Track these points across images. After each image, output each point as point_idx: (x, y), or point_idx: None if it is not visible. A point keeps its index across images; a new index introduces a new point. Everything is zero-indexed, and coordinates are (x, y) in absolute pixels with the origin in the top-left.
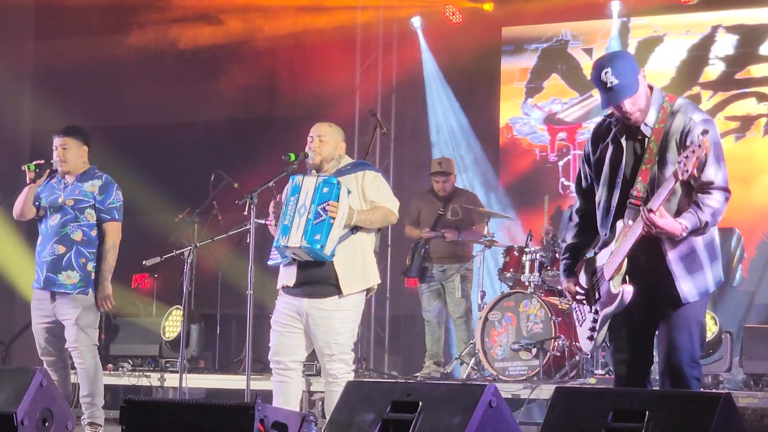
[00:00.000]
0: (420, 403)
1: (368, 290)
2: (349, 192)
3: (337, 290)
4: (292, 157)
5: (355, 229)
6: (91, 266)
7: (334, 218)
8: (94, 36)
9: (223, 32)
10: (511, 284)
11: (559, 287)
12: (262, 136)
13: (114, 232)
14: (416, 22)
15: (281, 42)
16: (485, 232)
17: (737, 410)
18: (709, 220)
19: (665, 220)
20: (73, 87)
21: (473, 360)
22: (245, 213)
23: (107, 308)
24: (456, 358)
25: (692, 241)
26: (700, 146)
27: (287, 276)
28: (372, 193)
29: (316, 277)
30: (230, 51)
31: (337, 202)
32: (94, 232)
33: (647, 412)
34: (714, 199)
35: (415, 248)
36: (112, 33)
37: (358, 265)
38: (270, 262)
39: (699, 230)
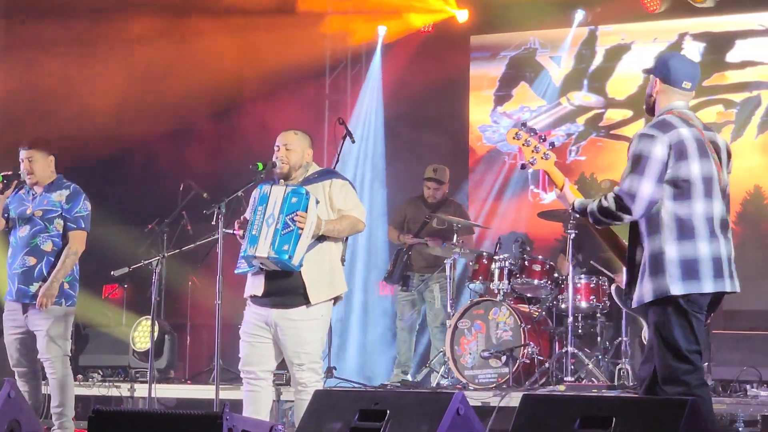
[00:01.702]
0: (388, 412)
1: (336, 299)
2: (317, 202)
3: (304, 300)
4: (260, 166)
5: (322, 238)
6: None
7: (302, 229)
8: (59, 46)
9: (191, 42)
10: (480, 292)
11: (528, 294)
12: (231, 145)
13: (78, 240)
14: (381, 31)
15: (249, 50)
16: (473, 245)
17: (703, 415)
18: (587, 209)
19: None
20: (40, 97)
21: (443, 368)
22: (213, 223)
23: (43, 308)
24: (426, 366)
25: (643, 251)
26: None
27: (255, 286)
28: (340, 202)
29: (284, 287)
30: (198, 62)
31: (306, 212)
32: (64, 242)
33: (614, 418)
34: (607, 200)
35: (399, 255)
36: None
37: (325, 274)
38: (237, 271)
39: (580, 213)
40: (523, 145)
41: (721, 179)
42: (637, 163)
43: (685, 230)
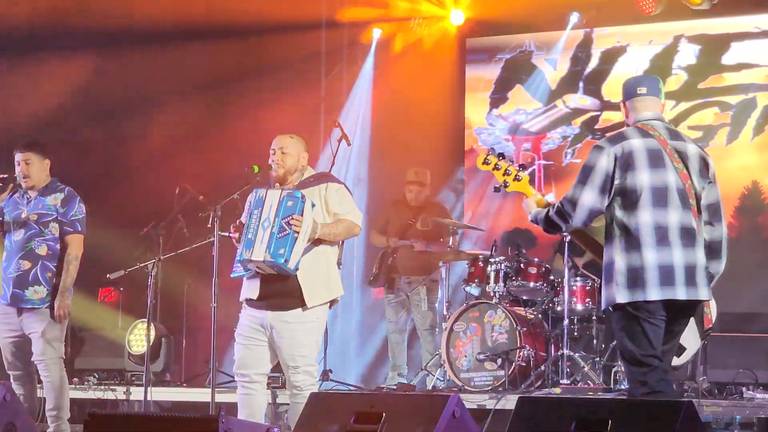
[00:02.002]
0: (383, 414)
1: (332, 302)
2: (313, 205)
3: (300, 302)
4: (255, 169)
5: (317, 241)
6: (58, 280)
7: (298, 232)
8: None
9: (188, 46)
10: (476, 294)
11: (524, 297)
12: (227, 147)
13: (76, 244)
14: (375, 34)
15: (246, 53)
16: (451, 244)
17: (700, 418)
18: (535, 216)
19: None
20: (33, 101)
21: (439, 371)
22: (209, 226)
23: (63, 320)
24: (422, 369)
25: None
26: None
27: (250, 289)
28: (335, 206)
29: (280, 290)
30: (194, 65)
31: (302, 216)
32: (59, 246)
33: (610, 421)
34: (554, 208)
35: (383, 258)
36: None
37: (321, 278)
38: (233, 275)
39: (535, 222)
40: (494, 169)
41: (690, 187)
42: (583, 173)
43: (631, 240)
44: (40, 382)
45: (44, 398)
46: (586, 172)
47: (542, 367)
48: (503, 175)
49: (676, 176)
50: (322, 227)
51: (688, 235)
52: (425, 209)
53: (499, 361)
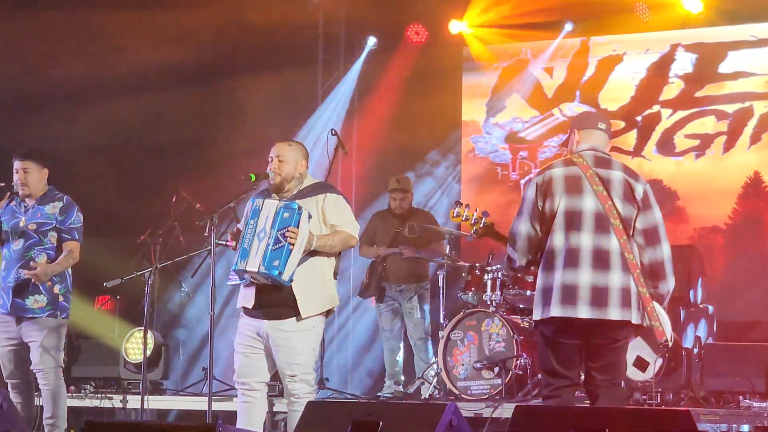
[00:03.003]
0: (381, 423)
1: (328, 312)
2: (310, 217)
3: (295, 312)
4: (253, 177)
5: (314, 252)
6: (57, 288)
7: (293, 245)
8: (48, 58)
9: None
10: (473, 303)
11: (521, 305)
12: (224, 156)
13: (75, 250)
14: (370, 41)
15: (243, 59)
16: (445, 251)
17: (696, 426)
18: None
19: None
20: (29, 108)
21: (435, 379)
22: (206, 234)
23: (30, 275)
24: (418, 378)
25: None
26: None
27: (246, 298)
28: (333, 217)
29: (275, 300)
30: (190, 73)
31: (297, 228)
32: (57, 255)
33: (607, 430)
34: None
35: (373, 267)
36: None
37: (316, 289)
38: (229, 282)
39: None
40: (463, 220)
41: (611, 208)
42: (520, 206)
43: (547, 261)
44: (37, 390)
45: (42, 406)
46: (521, 203)
47: (539, 376)
48: (472, 225)
49: (594, 200)
50: (318, 239)
51: (600, 258)
52: (411, 216)
53: (496, 369)
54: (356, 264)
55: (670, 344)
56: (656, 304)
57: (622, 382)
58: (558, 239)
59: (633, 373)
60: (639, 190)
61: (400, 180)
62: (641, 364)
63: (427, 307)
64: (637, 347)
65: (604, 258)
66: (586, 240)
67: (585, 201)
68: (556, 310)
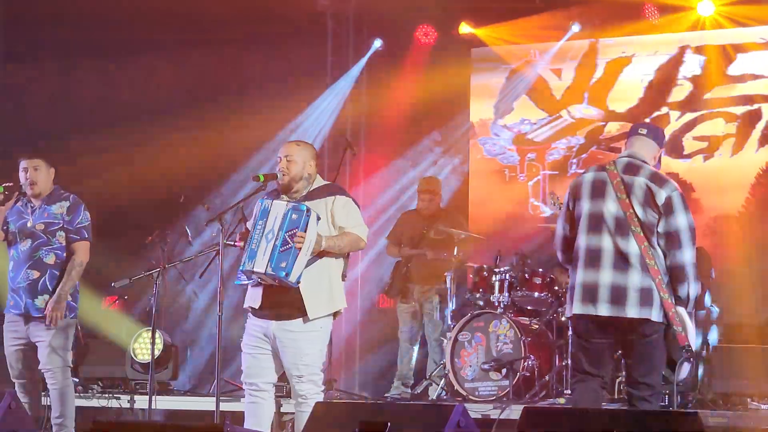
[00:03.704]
0: (388, 424)
1: (335, 313)
2: (318, 218)
3: (302, 312)
4: (261, 178)
5: (322, 254)
6: None
7: (300, 248)
8: (59, 61)
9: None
10: (480, 304)
11: (528, 307)
12: (232, 157)
13: (83, 251)
14: (376, 43)
15: (250, 62)
16: (456, 253)
17: (704, 429)
18: None
19: None
20: (34, 109)
21: (443, 381)
22: (214, 234)
23: (54, 324)
24: (426, 379)
25: None
26: None
27: (253, 298)
28: (341, 219)
29: (282, 301)
30: (197, 78)
31: (305, 231)
32: (65, 254)
33: (614, 431)
34: None
35: (397, 268)
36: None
37: (324, 291)
38: (237, 282)
39: None
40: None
41: (632, 216)
42: None
43: (574, 260)
44: (45, 390)
45: (49, 406)
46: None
47: (547, 377)
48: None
49: (616, 206)
50: (326, 240)
51: (622, 259)
52: (438, 218)
53: (504, 371)
54: (363, 265)
55: (694, 349)
56: (680, 309)
57: (660, 388)
58: (581, 240)
59: (668, 373)
60: (661, 195)
61: (430, 181)
62: (673, 365)
63: (448, 310)
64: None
65: (625, 259)
66: (606, 242)
67: (607, 206)
68: (577, 308)
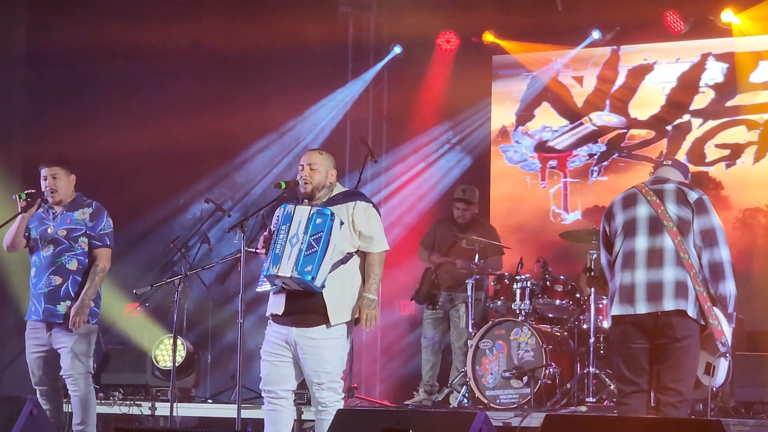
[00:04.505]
0: (410, 431)
1: (357, 320)
2: (342, 223)
3: (324, 319)
4: (283, 185)
5: (345, 259)
6: None
7: (326, 251)
8: (83, 66)
9: (217, 64)
10: (501, 312)
11: (550, 315)
12: (253, 164)
13: (105, 257)
14: (396, 49)
15: (271, 69)
16: (500, 266)
17: None
18: None
19: None
20: (63, 116)
21: (464, 388)
22: (236, 241)
23: (77, 328)
24: (447, 387)
25: None
26: None
27: (276, 305)
28: (362, 224)
29: (305, 307)
30: (221, 85)
31: (330, 234)
32: (88, 260)
33: None
34: None
35: (426, 274)
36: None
37: (347, 296)
38: (258, 289)
39: None
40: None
41: (664, 212)
42: None
43: (613, 271)
44: (66, 396)
45: (71, 413)
46: None
47: (568, 385)
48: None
49: (648, 207)
50: (373, 291)
51: (654, 256)
52: (472, 228)
53: (525, 378)
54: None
55: (729, 342)
56: (717, 310)
57: (691, 397)
58: (618, 247)
59: (705, 379)
60: (693, 195)
61: (466, 190)
62: (710, 369)
63: (469, 318)
64: (705, 354)
65: (658, 256)
66: (641, 243)
67: (639, 209)
68: (615, 309)
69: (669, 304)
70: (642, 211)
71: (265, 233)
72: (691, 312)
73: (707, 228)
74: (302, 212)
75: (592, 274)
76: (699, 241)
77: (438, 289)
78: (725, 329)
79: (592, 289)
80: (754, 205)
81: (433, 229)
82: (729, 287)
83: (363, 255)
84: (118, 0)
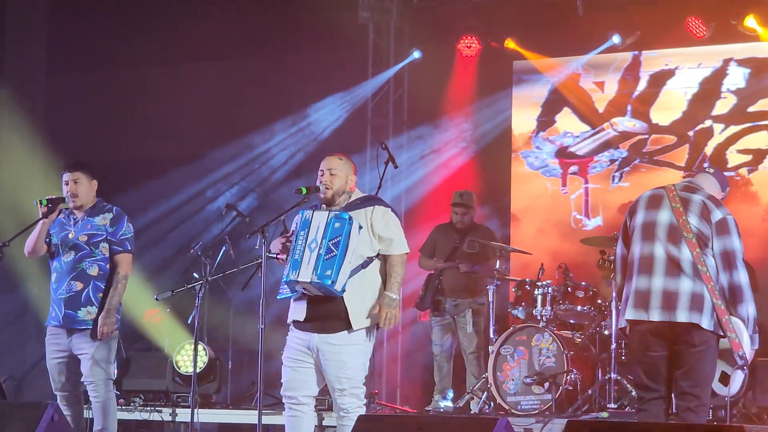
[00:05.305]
0: None
1: (378, 325)
2: (360, 227)
3: (346, 325)
4: (303, 190)
5: (366, 264)
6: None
7: (345, 255)
8: (104, 71)
9: (237, 67)
10: (522, 318)
11: (571, 321)
12: (273, 168)
13: (126, 263)
14: (415, 54)
15: (292, 75)
16: (498, 267)
17: None
18: None
19: None
20: (83, 121)
21: (485, 394)
22: (256, 247)
23: (105, 338)
24: (468, 393)
25: None
26: None
27: (297, 311)
28: (380, 228)
29: (326, 312)
30: (242, 87)
31: (348, 239)
32: (109, 266)
33: None
34: None
35: (429, 280)
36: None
37: (368, 300)
38: (280, 296)
39: None
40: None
41: (685, 222)
42: None
43: (629, 270)
44: (87, 402)
45: (92, 419)
46: None
47: (589, 391)
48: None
49: (670, 214)
50: (394, 291)
51: (673, 265)
52: (471, 232)
53: (547, 384)
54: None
55: (749, 359)
56: (734, 319)
57: (709, 402)
58: (635, 249)
59: (719, 388)
60: (717, 214)
61: (463, 195)
62: (725, 379)
63: (481, 323)
64: (721, 364)
65: (676, 265)
66: (659, 249)
67: (661, 214)
68: (629, 313)
69: (682, 316)
70: (663, 216)
71: (280, 237)
72: (706, 324)
73: (727, 250)
74: (320, 217)
75: (607, 256)
76: (718, 261)
77: (443, 295)
78: (744, 343)
79: (614, 294)
80: None
81: (432, 236)
82: (748, 310)
83: (384, 259)
84: (141, 5)
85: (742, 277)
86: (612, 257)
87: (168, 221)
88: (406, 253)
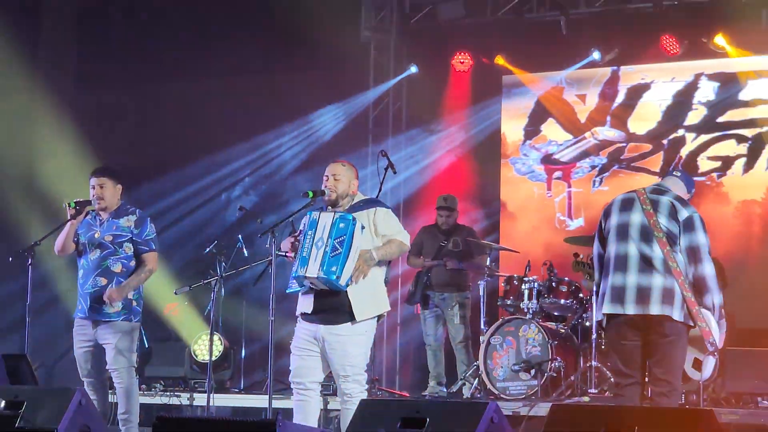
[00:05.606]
0: (428, 419)
1: (379, 316)
2: (363, 227)
3: (350, 317)
4: (311, 194)
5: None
6: (131, 294)
7: (349, 253)
8: (129, 84)
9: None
10: (511, 311)
11: (555, 313)
12: (281, 174)
13: (153, 260)
14: (412, 68)
15: (294, 91)
16: (486, 264)
17: (720, 424)
18: None
19: None
20: (107, 126)
21: (476, 380)
22: (267, 246)
23: (110, 302)
24: (461, 379)
25: None
26: None
27: (305, 304)
28: (384, 228)
29: (332, 305)
30: (251, 91)
31: (352, 238)
32: (132, 263)
33: (636, 427)
34: None
35: (418, 277)
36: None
37: (369, 294)
38: (289, 290)
39: None
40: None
41: (656, 223)
42: None
43: (605, 269)
44: (112, 388)
45: (116, 403)
46: None
47: (572, 378)
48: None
49: (641, 216)
50: (377, 251)
51: (646, 263)
52: (455, 232)
53: (533, 371)
54: (405, 275)
55: (719, 345)
56: (705, 311)
57: (680, 387)
58: (611, 249)
59: (692, 373)
60: (683, 213)
61: (447, 198)
62: (698, 365)
63: (467, 315)
64: (693, 351)
65: (649, 263)
66: (633, 248)
67: (633, 216)
68: (607, 308)
69: (655, 309)
70: (635, 218)
71: (290, 237)
72: (677, 316)
73: (693, 245)
74: (326, 218)
75: (581, 258)
76: (686, 256)
77: (430, 290)
78: (713, 330)
79: (595, 288)
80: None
81: (418, 236)
82: (714, 299)
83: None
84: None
85: (707, 269)
86: (582, 258)
87: (187, 222)
88: (407, 246)
